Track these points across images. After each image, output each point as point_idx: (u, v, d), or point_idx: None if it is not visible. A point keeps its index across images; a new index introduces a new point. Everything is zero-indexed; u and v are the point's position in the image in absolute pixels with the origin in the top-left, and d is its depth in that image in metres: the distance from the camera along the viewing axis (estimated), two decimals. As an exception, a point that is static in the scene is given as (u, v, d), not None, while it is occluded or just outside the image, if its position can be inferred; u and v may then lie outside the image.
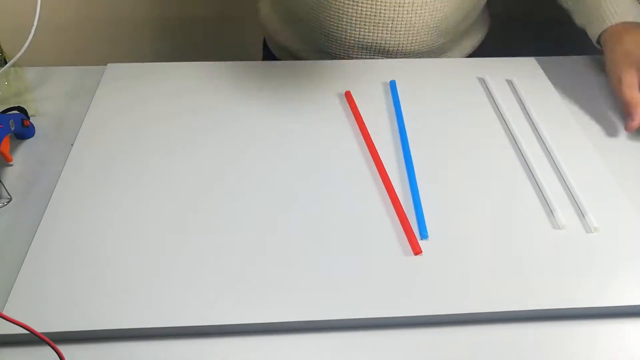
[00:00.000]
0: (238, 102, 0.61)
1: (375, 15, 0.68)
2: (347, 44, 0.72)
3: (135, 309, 0.41)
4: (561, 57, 0.72)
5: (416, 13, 0.68)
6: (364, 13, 0.68)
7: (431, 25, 0.71)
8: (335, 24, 0.70)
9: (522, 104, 0.63)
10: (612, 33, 0.64)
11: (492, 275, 0.44)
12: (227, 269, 0.44)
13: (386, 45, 0.72)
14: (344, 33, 0.71)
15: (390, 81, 0.65)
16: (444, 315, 0.42)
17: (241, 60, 0.68)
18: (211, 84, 0.64)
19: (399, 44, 0.71)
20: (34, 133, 0.58)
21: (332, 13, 0.70)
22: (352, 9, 0.68)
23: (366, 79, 0.65)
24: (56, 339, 0.38)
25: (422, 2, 0.68)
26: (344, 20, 0.69)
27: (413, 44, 0.72)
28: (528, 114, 0.61)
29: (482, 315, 0.42)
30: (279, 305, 0.42)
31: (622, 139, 0.59)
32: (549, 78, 0.67)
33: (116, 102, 0.61)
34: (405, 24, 0.69)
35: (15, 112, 0.56)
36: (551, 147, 0.56)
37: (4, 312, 0.39)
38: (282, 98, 0.62)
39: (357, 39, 0.71)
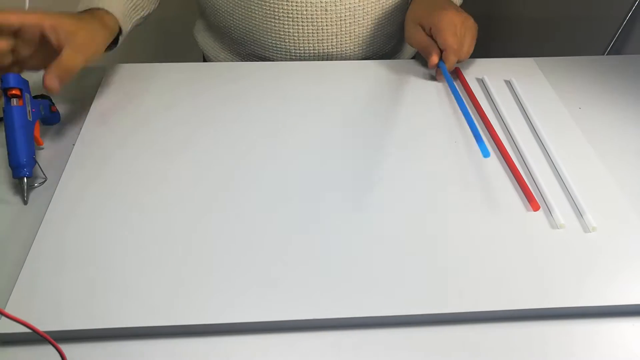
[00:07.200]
0: (240, 102, 0.62)
1: (318, 32, 0.68)
2: (291, 58, 0.72)
3: (137, 307, 0.41)
4: (560, 58, 0.72)
5: (359, 24, 0.69)
6: (306, 31, 0.68)
7: (376, 32, 0.71)
8: (278, 44, 0.70)
9: (521, 104, 0.63)
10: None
11: (491, 274, 0.44)
12: (232, 267, 0.44)
13: (332, 57, 0.72)
14: (286, 52, 0.71)
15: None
16: (443, 314, 0.42)
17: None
18: (212, 84, 0.64)
19: (345, 53, 0.72)
20: (59, 119, 0.59)
21: (273, 35, 0.70)
22: (293, 28, 0.68)
23: (361, 79, 0.66)
24: (58, 338, 0.38)
25: (364, 13, 0.68)
26: (287, 40, 0.70)
27: (360, 52, 0.73)
28: (526, 114, 0.61)
29: (481, 315, 0.42)
30: (280, 303, 0.42)
31: (620, 140, 0.60)
32: (548, 79, 0.67)
33: (117, 103, 0.61)
34: (350, 35, 0.70)
35: (41, 99, 0.57)
36: (549, 147, 0.56)
37: (6, 310, 0.39)
38: (285, 97, 0.62)
39: (301, 54, 0.71)
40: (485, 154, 0.51)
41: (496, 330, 0.42)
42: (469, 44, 0.65)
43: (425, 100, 0.63)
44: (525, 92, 0.64)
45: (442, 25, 0.64)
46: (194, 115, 0.60)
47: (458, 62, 0.65)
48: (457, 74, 0.67)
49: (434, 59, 0.64)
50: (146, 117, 0.59)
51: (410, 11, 0.69)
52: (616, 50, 0.88)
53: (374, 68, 0.68)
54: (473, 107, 0.62)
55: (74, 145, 0.55)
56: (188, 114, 0.60)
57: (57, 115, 0.59)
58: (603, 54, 0.89)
